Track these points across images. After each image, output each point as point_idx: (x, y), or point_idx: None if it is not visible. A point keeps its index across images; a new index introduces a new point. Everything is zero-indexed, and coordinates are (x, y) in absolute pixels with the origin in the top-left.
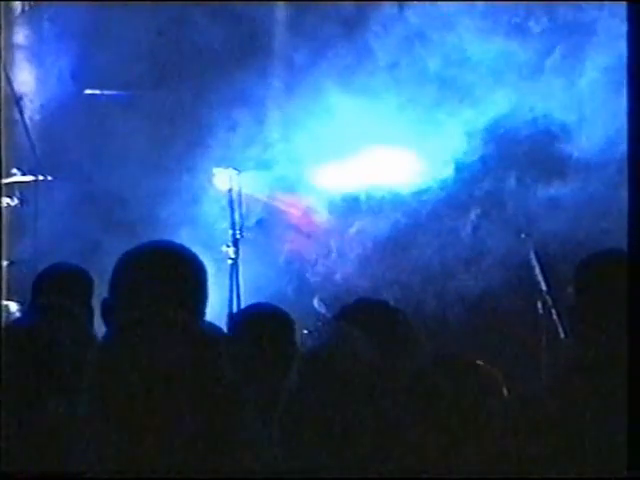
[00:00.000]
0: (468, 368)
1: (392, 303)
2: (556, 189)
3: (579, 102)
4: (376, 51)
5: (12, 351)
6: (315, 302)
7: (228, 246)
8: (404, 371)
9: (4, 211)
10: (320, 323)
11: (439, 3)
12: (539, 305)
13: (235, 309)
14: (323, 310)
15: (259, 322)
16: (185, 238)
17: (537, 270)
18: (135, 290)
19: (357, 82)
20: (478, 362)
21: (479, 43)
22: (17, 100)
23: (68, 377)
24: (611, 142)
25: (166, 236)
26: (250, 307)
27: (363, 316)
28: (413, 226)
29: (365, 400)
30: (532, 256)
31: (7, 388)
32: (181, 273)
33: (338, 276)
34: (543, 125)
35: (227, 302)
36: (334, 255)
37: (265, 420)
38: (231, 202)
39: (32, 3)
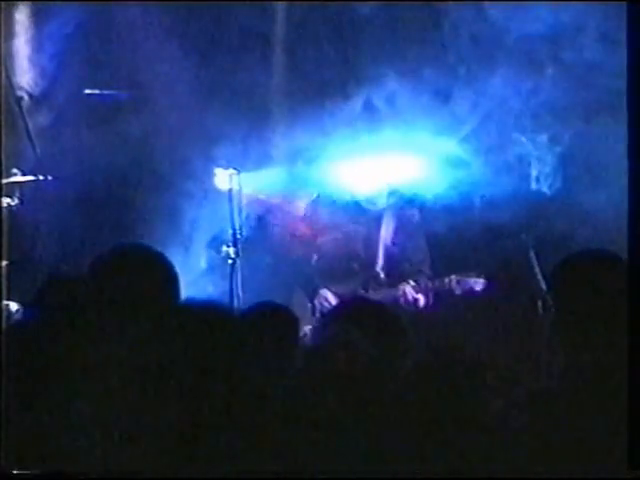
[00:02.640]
0: None
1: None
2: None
3: None
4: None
5: (14, 351)
6: (315, 302)
7: (228, 246)
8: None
9: (4, 211)
10: (319, 323)
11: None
12: (539, 305)
13: (235, 309)
14: (323, 310)
15: (264, 320)
16: (185, 238)
17: (537, 270)
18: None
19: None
20: None
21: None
22: (17, 100)
23: (70, 377)
24: None
25: (166, 236)
26: (255, 306)
27: (359, 315)
28: (415, 225)
29: (364, 398)
30: (532, 256)
31: (7, 388)
32: (160, 271)
33: (338, 275)
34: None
35: (227, 302)
36: (334, 254)
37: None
38: (231, 202)
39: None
